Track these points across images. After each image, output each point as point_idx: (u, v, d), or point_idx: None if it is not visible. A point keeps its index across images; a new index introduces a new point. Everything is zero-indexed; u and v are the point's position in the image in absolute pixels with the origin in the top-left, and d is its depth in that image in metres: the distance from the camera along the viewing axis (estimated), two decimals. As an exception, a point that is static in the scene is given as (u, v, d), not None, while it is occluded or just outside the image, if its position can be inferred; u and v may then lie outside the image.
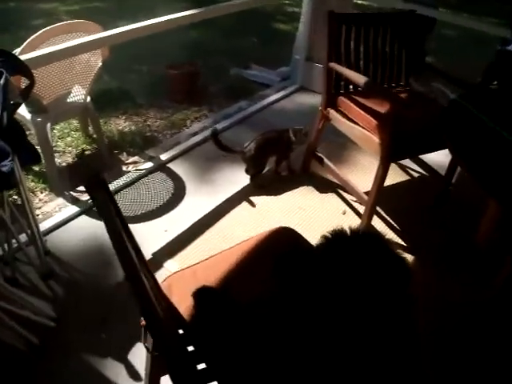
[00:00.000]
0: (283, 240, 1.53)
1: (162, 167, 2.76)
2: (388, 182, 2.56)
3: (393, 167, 2.85)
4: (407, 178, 2.95)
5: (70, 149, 2.97)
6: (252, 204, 2.57)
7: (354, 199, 2.68)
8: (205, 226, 2.38)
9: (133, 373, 1.68)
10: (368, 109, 2.37)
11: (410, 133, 2.28)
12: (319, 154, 2.76)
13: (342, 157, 3.05)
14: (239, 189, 2.68)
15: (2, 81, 1.54)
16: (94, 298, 1.95)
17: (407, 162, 3.01)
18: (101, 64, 2.57)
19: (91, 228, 2.26)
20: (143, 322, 1.30)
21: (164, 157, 2.83)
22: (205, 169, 2.81)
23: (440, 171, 2.85)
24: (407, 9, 2.72)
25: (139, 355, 1.70)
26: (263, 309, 1.13)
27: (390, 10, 3.63)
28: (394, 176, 2.90)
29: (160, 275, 2.05)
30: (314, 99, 3.76)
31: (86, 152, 2.95)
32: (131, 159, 2.84)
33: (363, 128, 2.35)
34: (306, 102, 3.73)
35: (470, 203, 2.66)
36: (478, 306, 2.08)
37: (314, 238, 2.09)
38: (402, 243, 2.43)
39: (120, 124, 3.30)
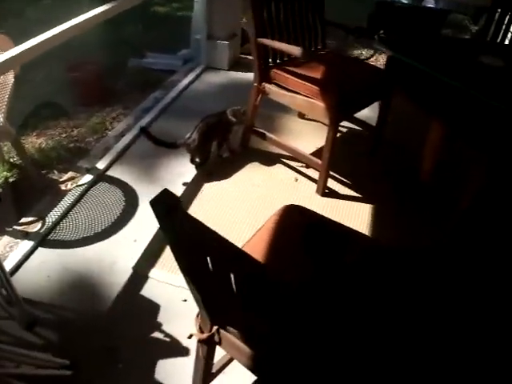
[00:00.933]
0: (297, 218, 1.54)
1: (102, 177, 2.60)
2: (322, 143, 2.68)
3: (323, 128, 2.99)
4: (340, 135, 3.08)
5: (-14, 181, 2.67)
6: (208, 192, 2.53)
7: (301, 165, 2.75)
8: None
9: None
10: (305, 77, 2.42)
11: (353, 92, 2.37)
12: (258, 129, 2.78)
13: (276, 127, 3.09)
14: (189, 180, 2.62)
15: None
16: (91, 330, 1.82)
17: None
18: (13, 80, 2.32)
19: (53, 259, 2.09)
20: (200, 337, 1.25)
21: (101, 165, 2.66)
22: (146, 168, 2.70)
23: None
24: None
25: (164, 372, 1.66)
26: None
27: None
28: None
29: (150, 287, 1.98)
30: (223, 76, 3.77)
31: (10, 180, 2.67)
32: (66, 176, 2.63)
33: (305, 96, 2.41)
34: (217, 81, 3.71)
35: (404, 148, 2.88)
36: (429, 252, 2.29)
37: (277, 207, 2.17)
38: (357, 195, 2.57)
39: (34, 142, 3.03)
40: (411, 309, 1.20)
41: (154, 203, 0.87)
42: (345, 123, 3.13)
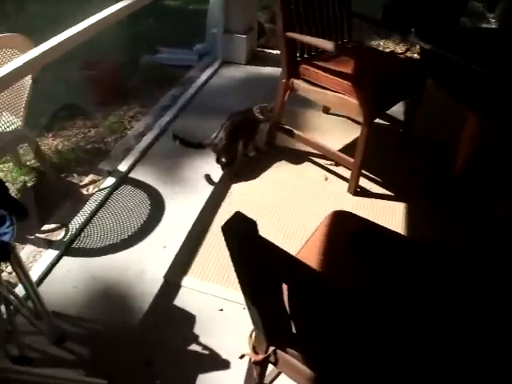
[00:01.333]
0: (347, 224, 1.45)
1: (125, 179, 2.51)
2: (350, 139, 2.57)
3: (349, 123, 2.89)
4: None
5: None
6: (237, 193, 2.44)
7: (330, 163, 2.65)
8: (201, 229, 2.22)
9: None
10: (336, 72, 2.32)
11: (387, 87, 2.27)
12: (285, 126, 2.68)
13: (301, 124, 2.99)
14: (217, 180, 2.52)
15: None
16: (123, 344, 1.73)
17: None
18: (31, 82, 2.23)
19: (79, 268, 2.00)
20: (255, 358, 1.16)
21: (123, 167, 2.57)
22: (170, 168, 2.61)
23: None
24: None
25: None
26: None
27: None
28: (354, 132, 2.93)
29: (183, 296, 1.89)
30: (241, 71, 3.66)
31: (29, 184, 2.58)
32: (86, 180, 2.53)
33: (336, 92, 2.30)
34: (236, 76, 3.60)
35: (434, 142, 2.78)
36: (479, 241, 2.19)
37: (309, 208, 2.07)
38: (389, 192, 2.48)
39: (50, 144, 2.93)
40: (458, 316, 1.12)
41: (227, 229, 0.77)
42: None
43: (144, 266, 2.02)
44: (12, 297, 1.53)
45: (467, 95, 2.05)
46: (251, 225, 0.78)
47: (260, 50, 3.94)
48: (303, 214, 2.32)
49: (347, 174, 2.54)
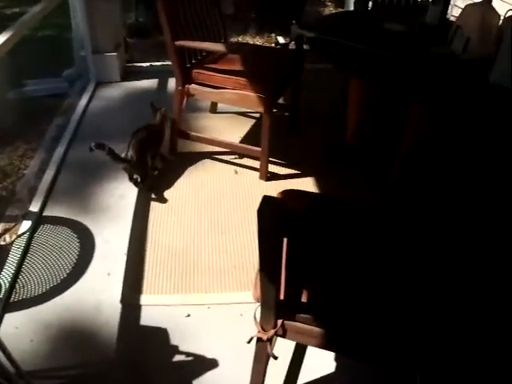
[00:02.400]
0: (297, 201, 1.61)
1: (42, 219, 2.41)
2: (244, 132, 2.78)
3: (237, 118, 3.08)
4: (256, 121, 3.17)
5: None
6: (159, 206, 2.49)
7: (234, 157, 2.81)
8: (138, 248, 2.24)
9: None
10: (228, 71, 2.47)
11: (277, 77, 2.47)
12: (186, 131, 2.77)
13: (195, 127, 3.08)
14: (134, 199, 2.54)
15: None
16: (109, 377, 1.71)
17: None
18: None
19: (27, 321, 1.89)
20: (267, 335, 1.27)
21: (34, 208, 2.45)
22: (84, 198, 2.56)
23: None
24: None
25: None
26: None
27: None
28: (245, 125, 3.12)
29: (147, 315, 1.92)
30: (119, 88, 3.65)
31: None
32: (-2, 229, 2.39)
33: (233, 89, 2.44)
34: (116, 95, 3.59)
35: (320, 119, 3.07)
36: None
37: (231, 200, 2.23)
38: (296, 171, 2.72)
39: None
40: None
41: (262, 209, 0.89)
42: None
43: (96, 296, 2.00)
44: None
45: (348, 65, 2.33)
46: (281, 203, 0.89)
47: (130, 65, 3.95)
48: (228, 206, 2.45)
49: (252, 163, 2.72)
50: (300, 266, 1.14)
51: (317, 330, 1.24)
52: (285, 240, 1.06)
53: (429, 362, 1.23)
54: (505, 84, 1.86)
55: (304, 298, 1.26)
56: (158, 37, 5.17)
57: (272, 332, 1.25)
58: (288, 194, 1.64)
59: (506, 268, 0.95)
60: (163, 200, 2.51)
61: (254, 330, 1.31)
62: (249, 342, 1.32)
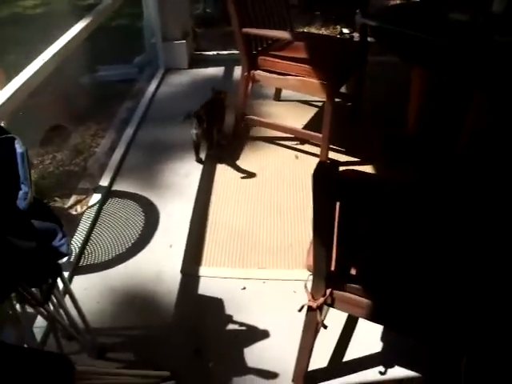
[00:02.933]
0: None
1: (110, 193, 2.56)
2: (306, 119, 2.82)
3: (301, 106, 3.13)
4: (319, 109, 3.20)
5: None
6: (221, 184, 2.59)
7: (295, 143, 2.86)
8: (200, 222, 2.33)
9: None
10: (292, 58, 2.53)
11: (340, 65, 2.50)
12: (250, 116, 2.85)
13: (259, 113, 3.16)
14: (198, 177, 2.64)
15: (21, 148, 1.32)
16: (166, 341, 1.81)
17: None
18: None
19: (94, 284, 2.04)
20: (316, 303, 1.32)
21: (104, 182, 2.62)
22: (151, 175, 2.70)
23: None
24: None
25: (255, 359, 1.72)
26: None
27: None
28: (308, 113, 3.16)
29: (205, 285, 2.02)
30: (186, 75, 3.79)
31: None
32: (71, 201, 2.57)
33: (297, 76, 2.50)
34: (183, 81, 3.72)
35: (384, 110, 3.06)
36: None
37: (291, 183, 2.27)
38: (355, 159, 2.74)
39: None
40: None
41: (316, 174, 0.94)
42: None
43: (158, 266, 2.12)
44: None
45: (410, 53, 2.32)
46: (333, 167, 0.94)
47: (198, 53, 4.08)
48: (287, 189, 2.52)
49: (312, 149, 2.77)
50: (351, 234, 1.18)
51: (365, 300, 1.28)
52: (337, 207, 1.10)
53: (476, 345, 1.24)
54: None
55: (353, 271, 1.31)
56: (225, 27, 5.31)
57: (321, 300, 1.31)
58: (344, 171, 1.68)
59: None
60: (225, 179, 2.60)
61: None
62: (300, 310, 1.38)
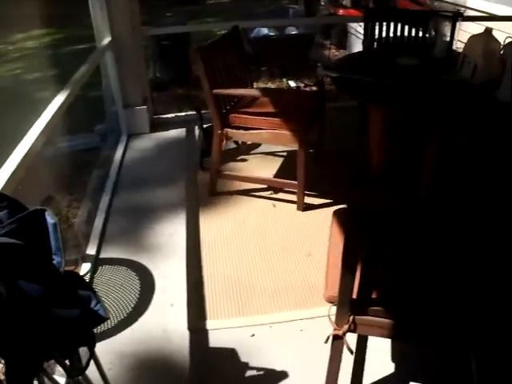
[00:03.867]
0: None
1: (100, 261, 2.59)
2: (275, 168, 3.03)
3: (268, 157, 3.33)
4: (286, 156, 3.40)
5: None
6: (209, 239, 2.67)
7: (269, 193, 3.02)
8: (196, 279, 2.40)
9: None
10: (262, 113, 2.71)
11: (307, 115, 2.72)
12: (226, 172, 2.99)
13: (232, 167, 3.31)
14: (184, 237, 2.72)
15: (53, 219, 1.38)
16: None
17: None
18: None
19: (103, 351, 2.00)
20: (342, 330, 1.43)
21: (91, 251, 2.64)
22: (136, 240, 2.74)
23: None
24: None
25: None
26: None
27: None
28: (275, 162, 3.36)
29: (214, 339, 2.07)
30: (150, 139, 3.91)
31: None
32: (60, 272, 2.56)
33: (269, 129, 2.68)
34: (148, 145, 3.83)
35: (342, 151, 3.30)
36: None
37: (275, 231, 2.43)
38: (327, 201, 2.93)
39: None
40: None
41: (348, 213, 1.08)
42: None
43: (163, 326, 2.15)
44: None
45: (369, 97, 2.56)
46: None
47: (156, 116, 4.22)
48: (271, 236, 2.66)
49: (287, 196, 2.93)
50: (375, 262, 1.32)
51: (385, 321, 1.41)
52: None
53: (485, 342, 1.40)
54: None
55: (374, 294, 1.44)
56: (175, 89, 5.55)
57: (346, 327, 1.42)
58: (342, 213, 1.84)
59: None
60: (211, 234, 2.69)
61: (314, 342, 1.52)
62: (326, 341, 1.48)
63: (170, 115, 4.29)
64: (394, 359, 1.93)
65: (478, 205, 1.76)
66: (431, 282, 1.45)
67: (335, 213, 1.83)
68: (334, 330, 1.46)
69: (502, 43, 2.33)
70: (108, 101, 3.94)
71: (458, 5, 6.66)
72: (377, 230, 1.23)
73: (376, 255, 1.30)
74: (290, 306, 2.18)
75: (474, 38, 2.55)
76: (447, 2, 7.07)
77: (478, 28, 2.53)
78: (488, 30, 2.44)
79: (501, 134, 2.48)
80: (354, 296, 1.41)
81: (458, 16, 3.01)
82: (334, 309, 1.44)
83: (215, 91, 2.64)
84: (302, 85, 4.65)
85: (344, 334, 1.45)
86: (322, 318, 1.45)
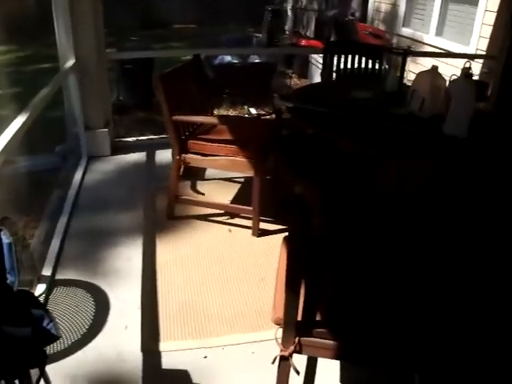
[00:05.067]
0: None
1: (55, 282, 2.59)
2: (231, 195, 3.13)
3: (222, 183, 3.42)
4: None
5: None
6: (166, 263, 2.73)
7: (225, 218, 3.10)
8: (151, 301, 2.44)
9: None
10: (219, 140, 2.82)
11: (263, 144, 2.83)
12: (183, 197, 3.06)
13: (190, 193, 3.39)
14: (140, 261, 2.76)
15: (7, 239, 1.43)
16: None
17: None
18: None
19: (55, 374, 2.05)
20: (288, 351, 1.52)
21: (46, 272, 2.64)
22: (93, 262, 2.75)
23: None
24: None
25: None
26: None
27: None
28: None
29: (168, 360, 2.11)
30: (110, 162, 3.94)
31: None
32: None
33: (225, 156, 2.78)
34: (108, 168, 3.86)
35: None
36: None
37: (228, 256, 2.54)
38: (279, 226, 3.02)
39: None
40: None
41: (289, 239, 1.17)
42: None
43: (117, 348, 2.18)
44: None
45: (323, 127, 2.70)
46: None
47: (117, 140, 4.27)
48: (226, 261, 2.74)
49: (242, 222, 3.02)
50: (317, 285, 1.42)
51: (330, 342, 1.50)
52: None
53: (428, 362, 1.51)
54: (457, 134, 2.28)
55: (318, 316, 1.53)
56: (138, 113, 5.60)
57: (292, 348, 1.51)
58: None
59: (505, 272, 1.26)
60: (167, 259, 2.74)
61: (265, 364, 1.61)
62: (273, 362, 1.56)
63: (131, 139, 4.36)
64: (343, 380, 2.01)
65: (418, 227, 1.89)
66: (374, 303, 1.56)
67: (285, 238, 1.92)
68: (281, 351, 1.54)
69: (448, 79, 2.51)
70: (69, 122, 3.96)
71: (415, 40, 7.01)
72: (314, 255, 1.33)
73: (315, 279, 1.39)
74: (242, 329, 2.25)
75: (421, 74, 2.73)
76: (405, 37, 7.45)
77: (433, 62, 2.71)
78: (434, 68, 2.63)
79: (444, 165, 2.67)
80: (300, 318, 1.50)
81: (408, 53, 3.21)
82: (280, 331, 1.52)
83: (174, 118, 2.72)
84: (262, 112, 4.79)
85: (290, 355, 1.53)
86: (274, 341, 1.52)
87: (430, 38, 6.69)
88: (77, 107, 3.78)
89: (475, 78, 2.41)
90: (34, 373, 1.46)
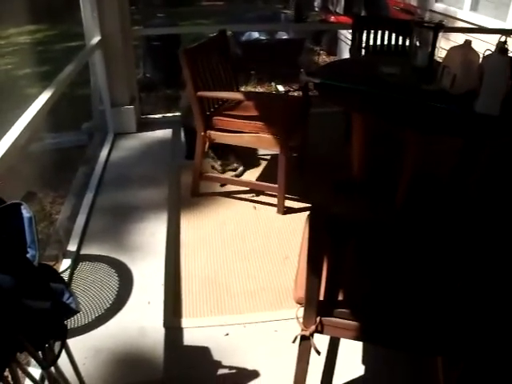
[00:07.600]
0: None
1: (80, 257, 2.62)
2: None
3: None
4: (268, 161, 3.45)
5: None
6: (189, 241, 2.71)
7: (251, 195, 3.06)
8: (174, 278, 2.43)
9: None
10: (245, 117, 2.76)
11: (289, 120, 2.77)
12: (208, 174, 3.04)
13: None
14: (164, 237, 2.75)
15: (28, 213, 1.42)
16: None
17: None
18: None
19: (77, 347, 2.05)
20: (309, 331, 1.48)
21: (72, 247, 2.66)
22: (117, 238, 2.76)
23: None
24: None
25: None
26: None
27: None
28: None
29: (189, 336, 2.11)
30: (136, 139, 3.94)
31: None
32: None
33: (251, 132, 2.73)
34: (134, 145, 3.86)
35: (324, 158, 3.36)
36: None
37: (254, 233, 2.48)
38: (308, 205, 2.93)
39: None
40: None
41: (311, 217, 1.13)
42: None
43: (139, 323, 2.19)
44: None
45: (351, 104, 2.62)
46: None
47: (143, 117, 4.25)
48: (250, 238, 2.71)
49: (268, 199, 2.98)
50: (340, 265, 1.37)
51: (351, 323, 1.46)
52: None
53: (452, 346, 1.45)
54: (490, 112, 2.17)
55: (340, 297, 1.49)
56: (164, 90, 5.58)
57: (313, 327, 1.47)
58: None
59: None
60: (191, 235, 2.73)
61: (287, 343, 1.55)
62: (294, 341, 1.53)
63: (157, 116, 4.33)
64: (364, 361, 1.97)
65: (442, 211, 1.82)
66: (397, 284, 1.51)
67: (308, 216, 1.87)
68: (302, 330, 1.50)
69: (482, 55, 2.39)
70: (96, 99, 3.96)
71: (448, 16, 6.75)
72: (339, 234, 1.28)
73: (339, 258, 1.34)
74: (265, 307, 2.23)
75: (453, 49, 2.61)
76: (438, 13, 7.18)
77: (467, 38, 2.58)
78: (467, 42, 2.50)
79: (476, 144, 2.56)
80: (322, 298, 1.46)
81: (439, 27, 3.07)
82: (301, 310, 1.49)
83: (199, 93, 2.68)
84: (290, 89, 4.70)
85: (311, 334, 1.50)
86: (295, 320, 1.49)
87: (465, 14, 6.42)
88: (103, 84, 3.77)
89: (511, 54, 2.28)
90: (57, 346, 1.45)
